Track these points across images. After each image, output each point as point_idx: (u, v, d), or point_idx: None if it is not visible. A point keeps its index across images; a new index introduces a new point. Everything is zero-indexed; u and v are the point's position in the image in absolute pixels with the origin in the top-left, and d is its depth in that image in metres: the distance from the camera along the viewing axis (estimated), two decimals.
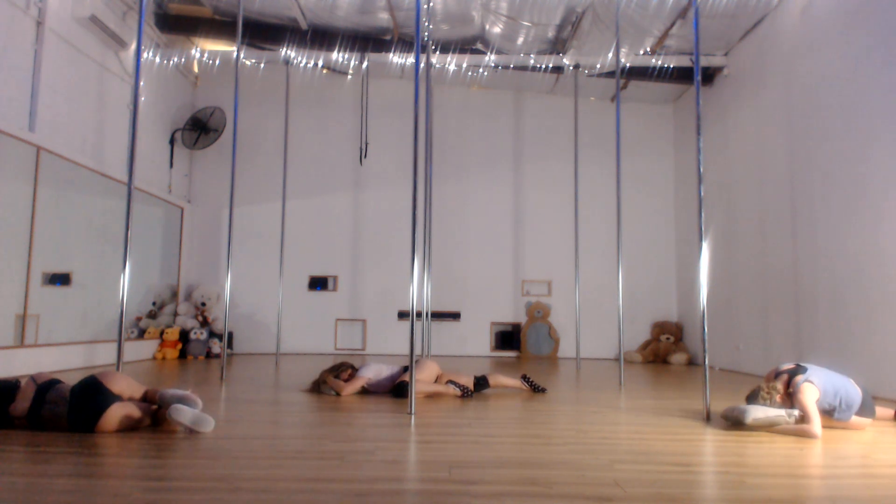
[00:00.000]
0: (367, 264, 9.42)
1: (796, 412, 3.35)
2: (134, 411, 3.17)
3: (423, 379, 4.62)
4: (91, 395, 3.10)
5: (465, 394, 4.63)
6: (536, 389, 4.99)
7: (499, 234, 9.57)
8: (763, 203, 6.96)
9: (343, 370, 4.79)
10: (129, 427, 3.14)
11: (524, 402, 4.49)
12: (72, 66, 6.76)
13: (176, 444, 2.87)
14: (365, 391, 4.77)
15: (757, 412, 3.40)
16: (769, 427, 3.38)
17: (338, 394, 4.64)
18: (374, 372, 4.77)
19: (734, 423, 3.48)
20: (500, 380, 5.01)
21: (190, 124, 9.14)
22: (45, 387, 3.19)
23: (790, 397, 3.46)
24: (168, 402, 3.21)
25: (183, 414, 3.11)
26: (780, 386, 3.52)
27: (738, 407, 3.51)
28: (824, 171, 5.83)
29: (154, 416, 3.27)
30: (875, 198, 5.14)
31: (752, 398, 3.68)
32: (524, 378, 5.05)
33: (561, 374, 6.82)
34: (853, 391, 3.50)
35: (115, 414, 3.09)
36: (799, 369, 3.57)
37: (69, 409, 3.08)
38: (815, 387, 3.42)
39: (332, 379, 4.71)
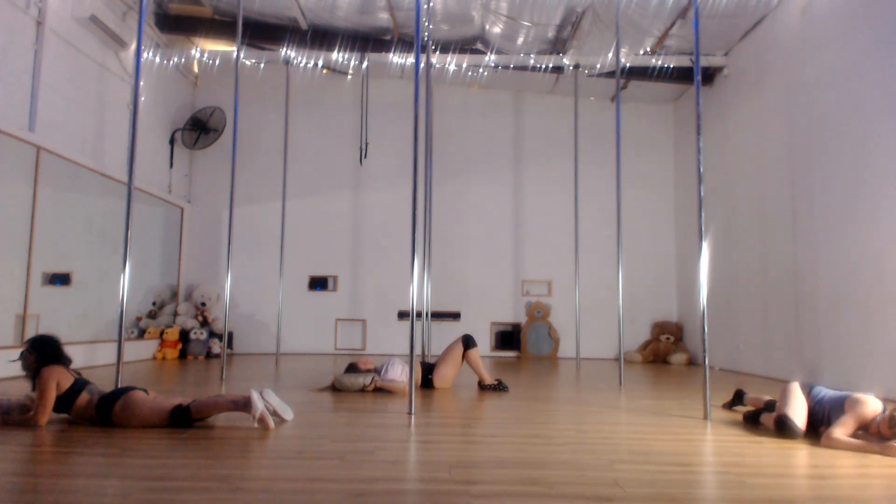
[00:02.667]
0: (367, 264, 9.42)
1: None
2: (156, 407, 3.25)
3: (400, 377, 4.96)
4: (118, 390, 3.33)
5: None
6: (499, 388, 5.09)
7: (499, 233, 9.57)
8: (763, 203, 6.96)
9: (359, 364, 5.08)
10: (148, 418, 3.21)
11: (524, 402, 4.49)
12: (72, 66, 6.76)
13: (176, 444, 2.87)
14: (378, 389, 4.86)
15: None
16: None
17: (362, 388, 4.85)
18: (398, 372, 4.98)
19: None
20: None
21: (190, 124, 9.14)
22: (85, 382, 3.37)
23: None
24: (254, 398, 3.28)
25: (271, 396, 3.33)
26: None
27: None
28: (824, 170, 5.83)
29: (174, 415, 3.25)
30: (875, 197, 5.14)
31: None
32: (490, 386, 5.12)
33: (561, 374, 6.82)
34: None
35: (135, 396, 3.24)
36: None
37: (100, 397, 3.27)
38: None
39: (379, 381, 4.85)
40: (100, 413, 3.22)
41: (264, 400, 3.29)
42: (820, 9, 6.02)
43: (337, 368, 6.78)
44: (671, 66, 8.05)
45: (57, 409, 3.27)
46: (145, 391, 3.39)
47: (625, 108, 9.00)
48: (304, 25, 8.19)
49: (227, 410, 3.28)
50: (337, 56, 8.32)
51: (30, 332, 5.91)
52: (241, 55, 7.60)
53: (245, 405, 3.20)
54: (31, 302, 5.91)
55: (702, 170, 3.99)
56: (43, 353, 3.33)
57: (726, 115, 7.91)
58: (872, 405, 3.15)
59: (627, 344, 9.17)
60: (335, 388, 4.85)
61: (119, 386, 3.61)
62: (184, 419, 3.21)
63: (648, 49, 7.97)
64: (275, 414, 3.35)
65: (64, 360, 3.35)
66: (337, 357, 8.64)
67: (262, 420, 3.20)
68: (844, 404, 3.20)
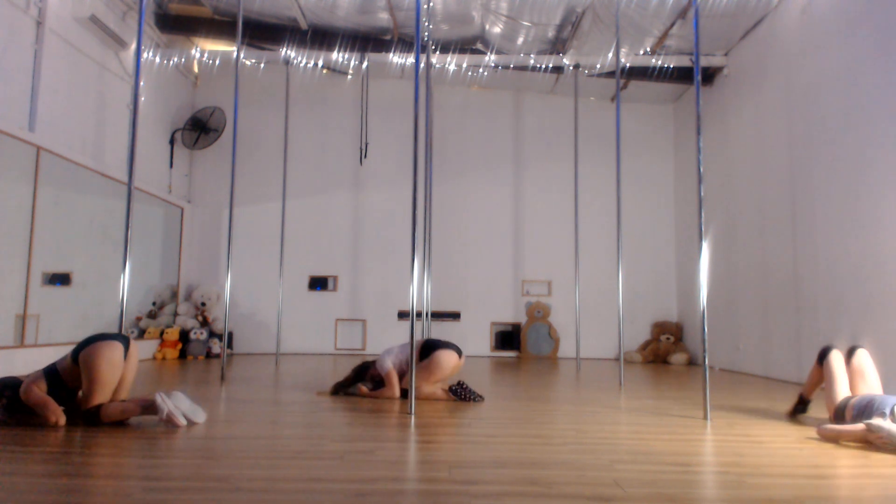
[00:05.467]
0: (367, 264, 9.42)
1: None
2: (122, 365, 3.27)
3: (439, 378, 4.47)
4: (91, 337, 3.34)
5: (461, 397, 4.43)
6: (467, 398, 4.41)
7: (499, 234, 9.57)
8: (763, 203, 6.96)
9: (366, 371, 4.68)
10: (110, 376, 3.23)
11: (524, 402, 4.49)
12: (72, 66, 6.76)
13: (176, 444, 2.87)
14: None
15: None
16: None
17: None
18: (394, 359, 4.60)
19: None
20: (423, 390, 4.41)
21: (190, 124, 9.14)
22: (52, 364, 3.40)
23: None
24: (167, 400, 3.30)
25: (180, 400, 3.31)
26: None
27: None
28: (824, 170, 5.83)
29: (85, 414, 3.28)
30: (875, 197, 5.14)
31: None
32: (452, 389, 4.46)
33: (561, 374, 6.82)
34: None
35: (103, 346, 3.23)
36: None
37: (73, 350, 3.30)
38: None
39: (370, 390, 4.54)
40: (75, 362, 3.26)
41: (172, 403, 3.29)
42: (820, 9, 6.02)
43: (337, 370, 6.78)
44: (671, 66, 8.05)
45: (59, 400, 3.29)
46: (126, 342, 3.35)
47: (625, 108, 9.00)
48: (304, 25, 8.19)
49: (136, 414, 3.28)
50: (337, 56, 8.32)
51: (30, 332, 5.91)
52: (241, 55, 7.59)
53: (151, 408, 3.24)
54: (31, 302, 5.91)
55: (702, 170, 3.99)
56: (7, 386, 3.31)
57: (726, 115, 7.91)
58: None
59: (627, 344, 9.17)
60: (338, 392, 4.68)
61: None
62: (92, 420, 3.23)
63: (648, 49, 7.97)
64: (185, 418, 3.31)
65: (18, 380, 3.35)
66: (337, 357, 8.64)
67: (169, 420, 3.21)
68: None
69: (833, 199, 5.68)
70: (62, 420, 3.21)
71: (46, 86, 6.28)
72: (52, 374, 3.30)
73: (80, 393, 3.33)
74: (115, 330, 4.09)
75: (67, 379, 3.30)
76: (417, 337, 4.57)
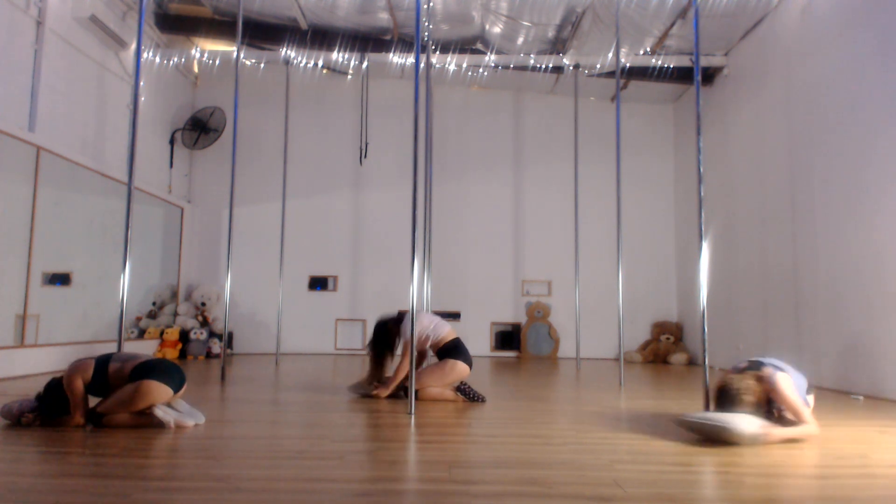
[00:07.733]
0: (367, 264, 9.42)
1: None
2: (159, 406, 3.29)
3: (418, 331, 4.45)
4: (158, 366, 3.31)
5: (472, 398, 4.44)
6: (474, 399, 4.43)
7: (499, 234, 9.57)
8: (763, 203, 6.96)
9: (387, 336, 4.71)
10: (143, 408, 3.24)
11: (524, 402, 4.49)
12: (72, 66, 6.76)
13: (176, 444, 2.87)
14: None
15: (742, 424, 2.95)
16: (758, 443, 2.97)
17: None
18: (420, 332, 4.51)
19: (707, 436, 3.03)
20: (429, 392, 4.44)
21: (190, 124, 9.15)
22: (107, 356, 3.39)
23: (764, 394, 3.17)
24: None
25: (180, 405, 3.37)
26: (753, 382, 3.16)
27: (713, 416, 3.05)
28: (824, 170, 5.83)
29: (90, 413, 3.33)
30: (875, 197, 5.13)
31: (727, 403, 3.16)
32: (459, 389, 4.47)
33: (561, 374, 6.82)
34: (802, 382, 3.34)
35: (158, 388, 3.24)
36: (757, 364, 3.31)
37: (137, 366, 3.28)
38: (788, 375, 3.22)
39: (382, 392, 4.49)
40: (131, 379, 3.27)
41: (173, 409, 3.33)
42: (820, 9, 6.02)
43: (337, 370, 6.77)
44: (671, 66, 8.05)
45: (96, 393, 3.32)
46: (182, 384, 3.37)
47: (625, 109, 8.99)
48: (304, 25, 8.19)
49: (136, 424, 3.26)
50: (337, 56, 8.32)
51: (30, 332, 5.91)
52: (241, 55, 7.59)
53: (156, 422, 3.24)
54: (31, 302, 5.91)
55: (702, 170, 3.99)
56: (51, 394, 3.28)
57: (726, 115, 7.91)
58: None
59: (627, 344, 9.17)
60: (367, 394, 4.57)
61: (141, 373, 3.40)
62: (97, 420, 3.27)
63: (648, 49, 7.97)
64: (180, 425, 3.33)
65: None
66: (337, 357, 8.64)
67: (178, 427, 3.24)
68: None
69: (833, 199, 5.68)
70: (79, 421, 3.23)
71: (46, 86, 6.28)
72: (102, 366, 3.30)
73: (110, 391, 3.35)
74: (115, 329, 4.08)
75: (113, 380, 3.29)
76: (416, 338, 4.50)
